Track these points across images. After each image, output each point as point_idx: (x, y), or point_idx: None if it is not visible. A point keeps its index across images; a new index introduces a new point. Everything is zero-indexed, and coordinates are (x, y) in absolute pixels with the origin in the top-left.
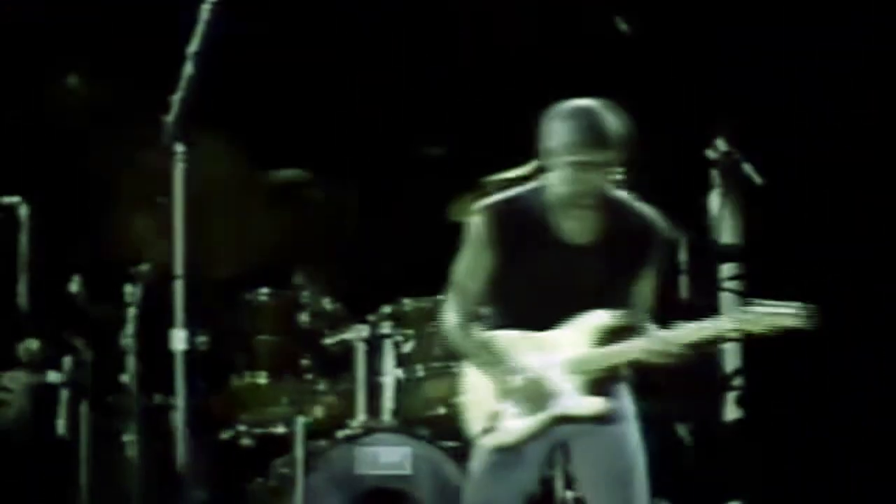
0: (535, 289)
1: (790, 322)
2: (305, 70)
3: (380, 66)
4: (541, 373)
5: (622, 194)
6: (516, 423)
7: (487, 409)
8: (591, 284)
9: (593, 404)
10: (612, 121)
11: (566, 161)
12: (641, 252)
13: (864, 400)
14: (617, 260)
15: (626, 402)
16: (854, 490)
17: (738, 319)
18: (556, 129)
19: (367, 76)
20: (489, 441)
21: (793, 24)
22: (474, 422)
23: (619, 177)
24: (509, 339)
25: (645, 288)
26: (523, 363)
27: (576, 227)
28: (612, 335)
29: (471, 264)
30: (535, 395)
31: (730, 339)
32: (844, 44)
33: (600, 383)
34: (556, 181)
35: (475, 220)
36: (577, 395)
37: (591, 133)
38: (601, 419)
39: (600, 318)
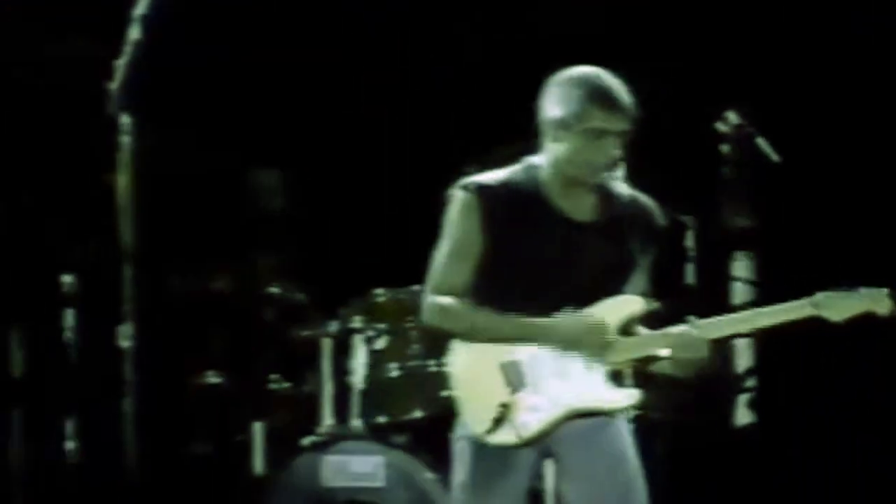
0: (535, 270)
1: (875, 308)
2: (310, 70)
3: (385, 65)
4: (597, 316)
5: (617, 179)
6: (532, 417)
7: (493, 401)
8: (596, 263)
9: (631, 396)
10: (622, 87)
11: (581, 129)
12: (639, 238)
13: (886, 400)
14: (616, 243)
15: None
16: (875, 494)
17: (814, 304)
18: (567, 95)
19: (372, 76)
20: (501, 438)
21: None
22: (478, 418)
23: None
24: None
25: (640, 278)
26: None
27: (573, 206)
28: (637, 323)
29: (456, 250)
30: (598, 338)
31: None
32: (868, 14)
33: (622, 374)
34: (564, 153)
35: (457, 201)
36: (607, 385)
37: (606, 99)
38: (622, 412)
39: (632, 303)
